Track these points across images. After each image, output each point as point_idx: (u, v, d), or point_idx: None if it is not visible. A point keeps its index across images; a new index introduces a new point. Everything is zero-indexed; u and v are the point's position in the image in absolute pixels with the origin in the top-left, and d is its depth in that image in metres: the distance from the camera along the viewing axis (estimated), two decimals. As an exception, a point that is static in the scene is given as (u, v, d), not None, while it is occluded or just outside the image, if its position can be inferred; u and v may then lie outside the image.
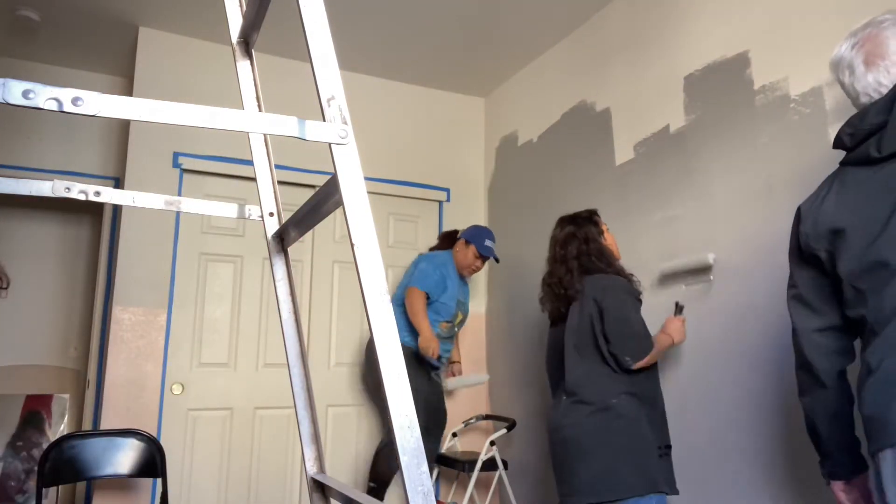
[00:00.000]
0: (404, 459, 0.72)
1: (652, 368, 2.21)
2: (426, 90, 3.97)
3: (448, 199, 3.93)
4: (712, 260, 2.34)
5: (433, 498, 0.72)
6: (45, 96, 0.67)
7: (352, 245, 0.77)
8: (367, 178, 0.79)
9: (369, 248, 0.77)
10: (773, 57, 2.21)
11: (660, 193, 2.64)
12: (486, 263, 3.49)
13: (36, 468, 2.88)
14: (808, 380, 1.48)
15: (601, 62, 3.07)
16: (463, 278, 3.46)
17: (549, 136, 3.43)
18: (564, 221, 2.41)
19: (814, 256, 1.44)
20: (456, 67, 3.72)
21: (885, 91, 1.35)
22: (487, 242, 3.37)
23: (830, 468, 1.48)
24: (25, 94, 0.66)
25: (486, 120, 4.10)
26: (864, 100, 1.39)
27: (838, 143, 1.43)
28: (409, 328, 3.20)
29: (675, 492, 2.09)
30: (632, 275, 2.31)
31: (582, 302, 2.22)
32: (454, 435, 3.54)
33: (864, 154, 1.35)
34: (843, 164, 1.44)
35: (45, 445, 3.48)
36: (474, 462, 3.14)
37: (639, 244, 2.71)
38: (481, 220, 4.00)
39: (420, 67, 3.72)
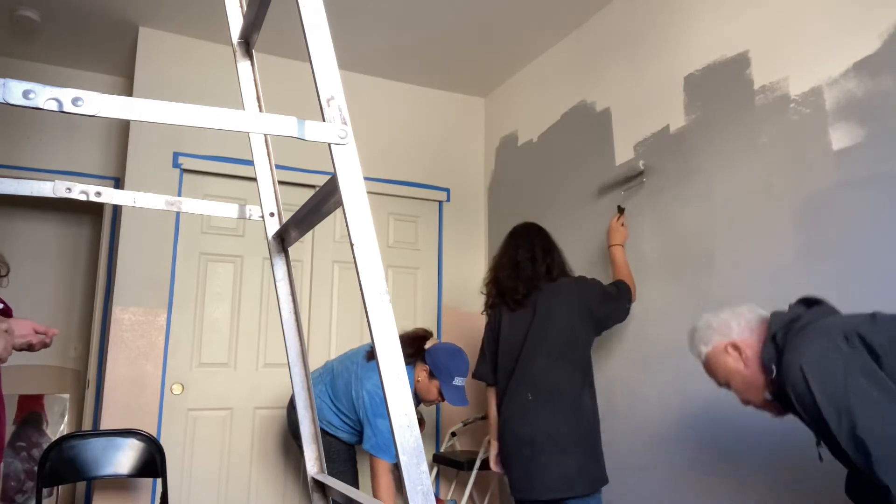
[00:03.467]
0: (403, 459, 0.72)
1: (590, 367, 2.44)
2: (426, 90, 3.97)
3: (448, 199, 3.93)
4: (642, 165, 2.68)
5: (433, 497, 0.72)
6: (45, 96, 0.67)
7: (351, 245, 0.77)
8: (366, 178, 0.79)
9: (369, 248, 0.77)
10: (773, 57, 2.21)
11: (660, 193, 2.64)
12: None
13: (36, 468, 2.88)
14: None
15: (601, 62, 3.07)
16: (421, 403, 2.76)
17: (549, 136, 3.43)
18: (532, 226, 2.64)
19: None
20: (456, 67, 3.72)
21: None
22: (457, 381, 2.60)
23: None
24: (25, 94, 0.66)
25: (486, 120, 4.10)
26: None
27: None
28: (345, 426, 2.63)
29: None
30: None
31: (549, 303, 2.42)
32: (453, 434, 3.54)
33: None
34: None
35: (44, 445, 3.48)
36: (473, 461, 3.14)
37: (640, 244, 2.71)
38: (481, 220, 3.99)
39: (420, 67, 3.72)
